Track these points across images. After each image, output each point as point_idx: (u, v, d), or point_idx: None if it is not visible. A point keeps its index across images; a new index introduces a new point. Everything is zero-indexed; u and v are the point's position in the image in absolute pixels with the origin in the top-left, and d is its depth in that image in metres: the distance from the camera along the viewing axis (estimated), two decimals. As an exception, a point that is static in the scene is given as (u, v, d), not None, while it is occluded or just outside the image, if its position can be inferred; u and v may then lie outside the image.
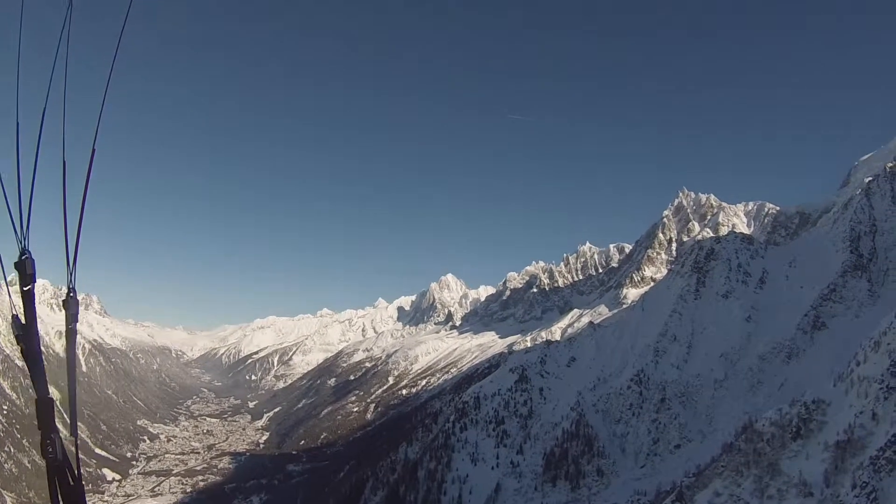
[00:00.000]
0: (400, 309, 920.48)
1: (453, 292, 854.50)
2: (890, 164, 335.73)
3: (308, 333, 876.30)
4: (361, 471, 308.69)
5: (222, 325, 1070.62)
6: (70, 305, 8.96)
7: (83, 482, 8.86)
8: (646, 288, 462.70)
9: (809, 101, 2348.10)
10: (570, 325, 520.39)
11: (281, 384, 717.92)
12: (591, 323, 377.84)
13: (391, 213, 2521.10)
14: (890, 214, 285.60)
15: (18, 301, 8.77)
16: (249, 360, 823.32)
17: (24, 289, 8.82)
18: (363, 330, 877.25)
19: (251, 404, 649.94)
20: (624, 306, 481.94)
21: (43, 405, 8.58)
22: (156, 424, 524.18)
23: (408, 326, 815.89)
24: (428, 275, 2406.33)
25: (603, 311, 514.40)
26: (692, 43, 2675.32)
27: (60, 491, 8.68)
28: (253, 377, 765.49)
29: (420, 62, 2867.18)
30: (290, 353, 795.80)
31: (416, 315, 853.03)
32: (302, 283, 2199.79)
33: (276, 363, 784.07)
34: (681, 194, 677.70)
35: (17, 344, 8.63)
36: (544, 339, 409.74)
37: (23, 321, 8.65)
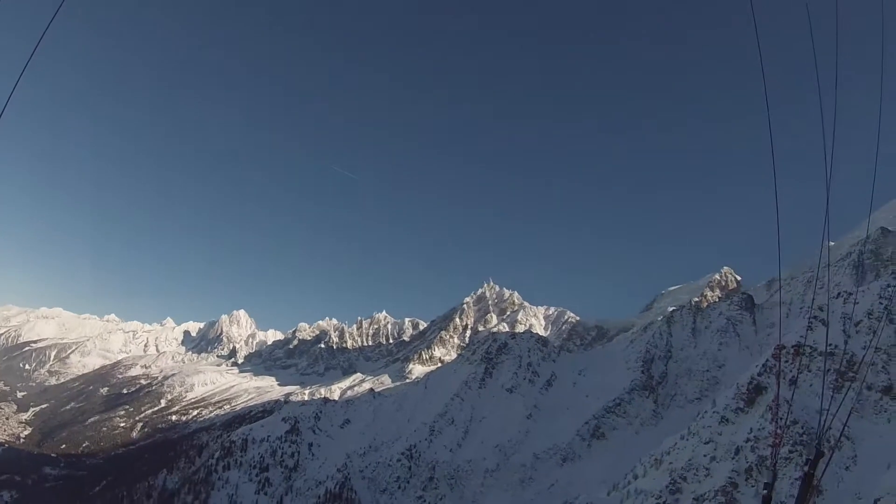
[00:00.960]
0: (186, 333, 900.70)
1: (242, 329, 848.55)
2: (696, 299, 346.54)
3: (91, 335, 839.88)
4: (118, 490, 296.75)
5: (7, 304, 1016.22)
6: None
7: None
8: (433, 367, 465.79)
9: (621, 226, 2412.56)
10: (350, 387, 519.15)
11: (54, 381, 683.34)
12: (371, 390, 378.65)
13: (195, 238, 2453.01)
14: (687, 344, 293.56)
15: None
16: (27, 348, 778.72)
17: None
18: (146, 345, 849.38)
19: (20, 394, 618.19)
20: (408, 381, 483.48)
21: None
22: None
23: (190, 353, 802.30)
24: (221, 306, 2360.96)
25: (386, 381, 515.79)
26: (518, 142, 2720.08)
27: None
28: (27, 366, 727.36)
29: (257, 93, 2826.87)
30: (69, 351, 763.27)
31: (202, 343, 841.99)
32: (96, 282, 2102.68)
33: (52, 358, 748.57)
34: (486, 285, 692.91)
35: None
36: (322, 396, 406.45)
37: None
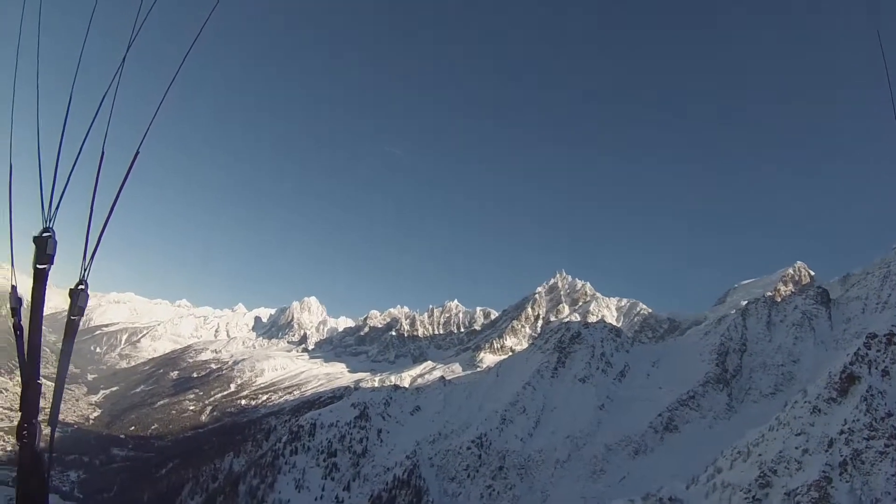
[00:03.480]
0: (257, 319, 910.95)
1: (313, 315, 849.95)
2: (769, 294, 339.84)
3: (162, 320, 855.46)
4: (184, 472, 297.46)
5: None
6: (78, 297, 8.47)
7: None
8: (504, 357, 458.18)
9: (695, 219, 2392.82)
10: (420, 375, 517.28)
11: (124, 364, 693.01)
12: (442, 378, 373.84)
13: (269, 224, 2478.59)
14: (761, 338, 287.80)
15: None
16: (98, 332, 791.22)
17: (39, 266, 8.37)
18: (217, 330, 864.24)
19: (90, 377, 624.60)
20: (479, 369, 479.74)
21: (30, 388, 8.13)
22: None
23: (261, 338, 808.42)
24: (292, 292, 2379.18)
25: (456, 370, 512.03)
26: (593, 145, 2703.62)
27: (28, 476, 8.04)
28: (98, 349, 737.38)
29: (304, 84, 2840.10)
30: (140, 336, 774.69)
31: (272, 329, 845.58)
32: (167, 268, 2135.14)
33: (123, 342, 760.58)
34: (558, 275, 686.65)
35: (11, 318, 8.56)
36: (393, 383, 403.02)
37: (20, 296, 8.76)
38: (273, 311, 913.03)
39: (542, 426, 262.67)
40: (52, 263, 8.43)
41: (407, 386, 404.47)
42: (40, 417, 7.93)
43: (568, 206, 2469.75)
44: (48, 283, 8.37)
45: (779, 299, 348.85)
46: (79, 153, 8.78)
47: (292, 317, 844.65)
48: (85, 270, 8.47)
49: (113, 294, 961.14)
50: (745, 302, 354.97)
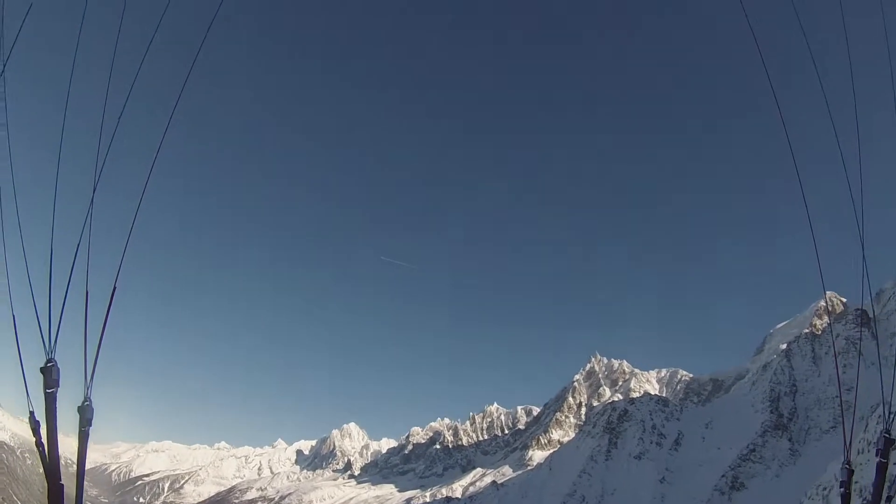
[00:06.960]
0: (299, 452, 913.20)
1: (355, 441, 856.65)
2: (806, 330, 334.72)
3: (203, 464, 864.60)
4: None
5: (116, 441, 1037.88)
6: (85, 411, 10.71)
7: None
8: (552, 450, 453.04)
9: (720, 272, 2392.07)
10: (471, 483, 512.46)
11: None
12: (493, 482, 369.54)
13: (297, 357, 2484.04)
14: (811, 374, 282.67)
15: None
16: (140, 482, 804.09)
17: (48, 391, 10.30)
18: (259, 468, 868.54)
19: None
20: (529, 468, 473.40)
21: (54, 494, 9.89)
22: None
23: (305, 471, 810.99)
24: (330, 421, 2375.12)
25: (507, 472, 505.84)
26: (603, 207, 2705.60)
27: None
28: (141, 500, 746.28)
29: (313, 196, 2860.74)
30: (183, 482, 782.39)
31: (315, 460, 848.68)
32: (202, 413, 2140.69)
33: (166, 489, 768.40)
34: (593, 359, 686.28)
35: (33, 436, 10.18)
36: (444, 496, 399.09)
37: (38, 419, 10.28)
38: (314, 443, 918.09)
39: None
40: (58, 387, 10.20)
41: (459, 496, 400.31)
42: None
43: (593, 288, 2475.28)
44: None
45: (818, 333, 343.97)
46: (65, 297, 10.55)
47: (334, 445, 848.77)
48: (88, 388, 10.60)
49: (151, 443, 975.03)
50: (785, 344, 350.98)
